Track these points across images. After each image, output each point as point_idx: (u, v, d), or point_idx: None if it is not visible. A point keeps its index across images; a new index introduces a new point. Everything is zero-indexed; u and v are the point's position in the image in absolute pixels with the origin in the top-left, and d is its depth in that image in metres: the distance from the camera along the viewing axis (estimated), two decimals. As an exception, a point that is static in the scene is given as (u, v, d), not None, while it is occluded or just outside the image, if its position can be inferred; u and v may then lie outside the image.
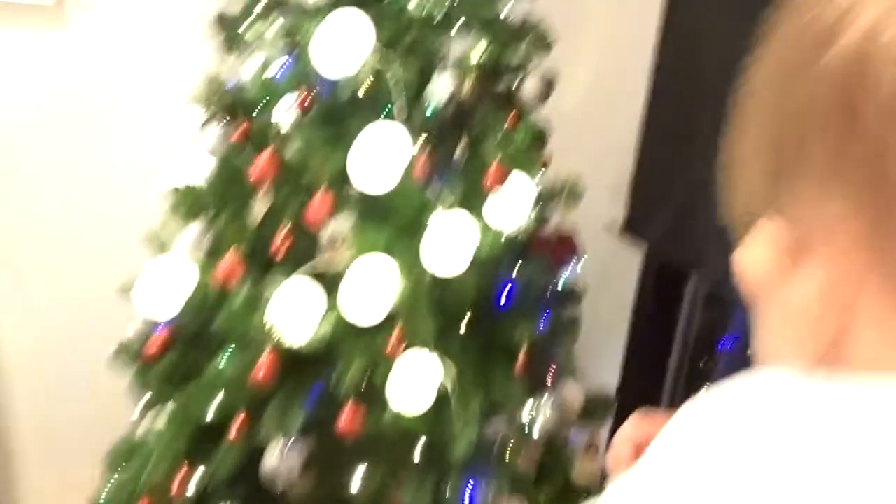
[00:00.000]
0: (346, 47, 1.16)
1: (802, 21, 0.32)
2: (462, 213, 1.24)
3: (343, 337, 1.26)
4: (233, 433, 1.30)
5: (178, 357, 1.36)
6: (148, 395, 1.42)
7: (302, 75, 1.19)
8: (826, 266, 0.30)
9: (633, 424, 0.61)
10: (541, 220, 1.45)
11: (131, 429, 1.43)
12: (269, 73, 1.26)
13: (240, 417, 1.29)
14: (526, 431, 1.40)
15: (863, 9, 0.29)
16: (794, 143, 0.31)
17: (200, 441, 1.34)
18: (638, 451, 0.65)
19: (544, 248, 1.48)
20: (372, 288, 1.19)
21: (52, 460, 1.89)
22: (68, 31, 1.65)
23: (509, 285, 1.34)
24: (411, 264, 1.26)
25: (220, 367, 1.28)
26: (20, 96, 1.65)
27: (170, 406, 1.36)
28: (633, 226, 1.86)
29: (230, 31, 1.33)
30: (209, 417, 1.29)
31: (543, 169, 1.44)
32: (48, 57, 1.65)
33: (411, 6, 1.24)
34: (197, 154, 1.28)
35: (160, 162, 1.46)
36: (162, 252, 1.39)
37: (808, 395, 0.28)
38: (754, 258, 0.33)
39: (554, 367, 1.45)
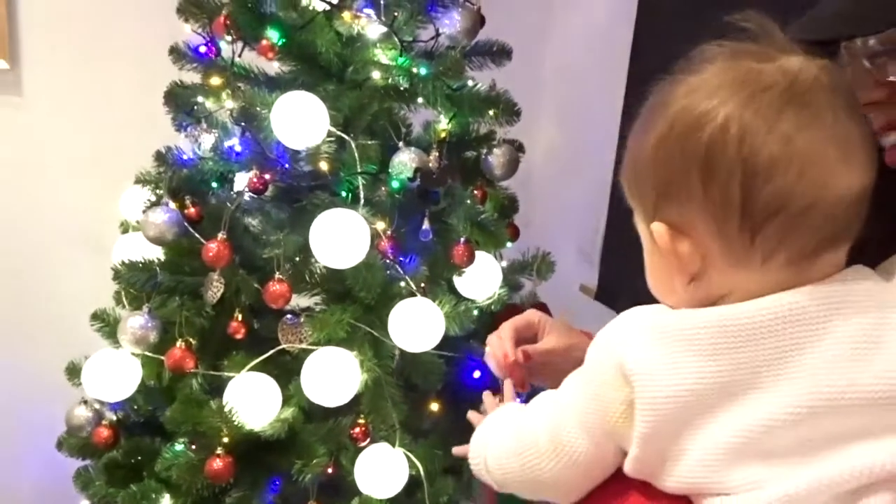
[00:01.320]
0: (303, 123, 1.10)
1: (682, 109, 0.52)
2: (429, 293, 1.18)
3: (304, 425, 1.18)
4: (185, 534, 1.19)
5: (125, 453, 1.26)
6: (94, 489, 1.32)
7: (258, 153, 1.14)
8: (692, 244, 0.53)
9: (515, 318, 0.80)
10: (513, 288, 1.39)
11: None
12: (223, 150, 1.20)
13: (193, 517, 1.19)
14: (503, 519, 1.31)
15: (717, 113, 0.50)
16: (676, 180, 0.52)
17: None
18: (517, 333, 0.83)
19: (512, 315, 1.42)
20: (335, 372, 1.12)
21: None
22: (24, 97, 1.61)
23: (480, 365, 1.27)
24: (377, 343, 1.20)
25: (171, 460, 1.18)
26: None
27: (119, 500, 1.26)
28: (607, 292, 1.82)
29: (184, 105, 1.27)
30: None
31: (511, 242, 1.39)
32: (2, 120, 1.60)
33: (375, 76, 1.20)
34: (147, 233, 1.20)
35: (111, 238, 1.40)
36: (111, 334, 1.30)
37: (688, 316, 0.53)
38: (656, 235, 0.54)
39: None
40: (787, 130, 0.49)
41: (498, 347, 0.80)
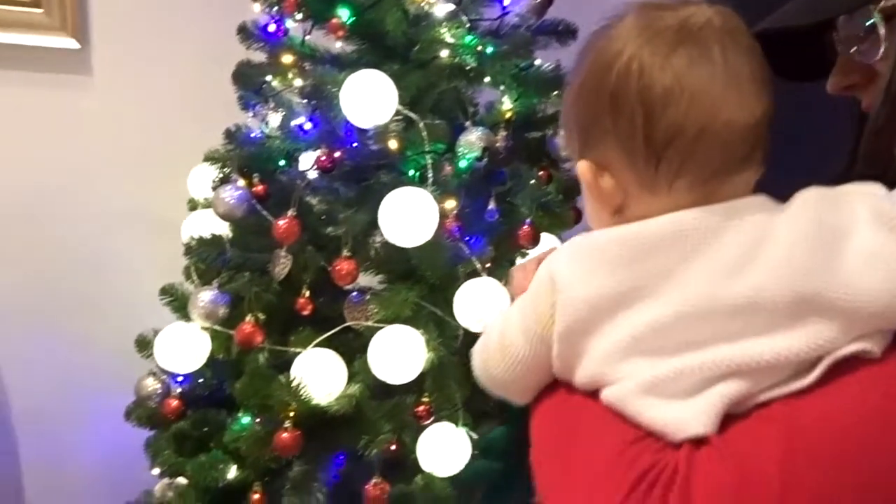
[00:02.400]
0: (371, 102, 1.11)
1: (597, 53, 0.60)
2: (494, 274, 1.17)
3: (369, 402, 1.19)
4: (251, 503, 1.22)
5: (193, 424, 1.29)
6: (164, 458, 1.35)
7: (326, 131, 1.14)
8: (612, 177, 0.61)
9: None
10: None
11: (152, 485, 1.37)
12: (292, 128, 1.21)
13: (257, 488, 1.21)
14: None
15: (623, 54, 0.58)
16: (593, 118, 0.60)
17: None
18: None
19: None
20: (402, 350, 1.13)
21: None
22: (94, 76, 1.63)
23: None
24: (442, 323, 1.20)
25: (238, 433, 1.21)
26: (45, 141, 1.62)
27: (188, 470, 1.29)
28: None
29: (252, 84, 1.28)
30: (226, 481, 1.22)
31: (577, 223, 1.38)
32: (73, 101, 1.62)
33: (442, 55, 1.19)
34: (217, 209, 1.22)
35: (178, 215, 1.43)
36: (181, 308, 1.33)
37: (604, 233, 0.60)
38: (581, 173, 0.63)
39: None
40: (679, 66, 0.57)
41: (523, 279, 0.81)
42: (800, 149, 1.04)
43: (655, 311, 0.56)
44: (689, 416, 0.54)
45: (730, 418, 0.54)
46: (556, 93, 1.30)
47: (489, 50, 1.20)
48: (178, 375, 1.31)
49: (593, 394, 0.59)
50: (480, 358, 0.69)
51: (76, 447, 1.75)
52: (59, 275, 1.69)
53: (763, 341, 0.54)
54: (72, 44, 1.59)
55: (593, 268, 0.59)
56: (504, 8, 1.27)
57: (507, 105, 1.25)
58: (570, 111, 0.63)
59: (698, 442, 0.54)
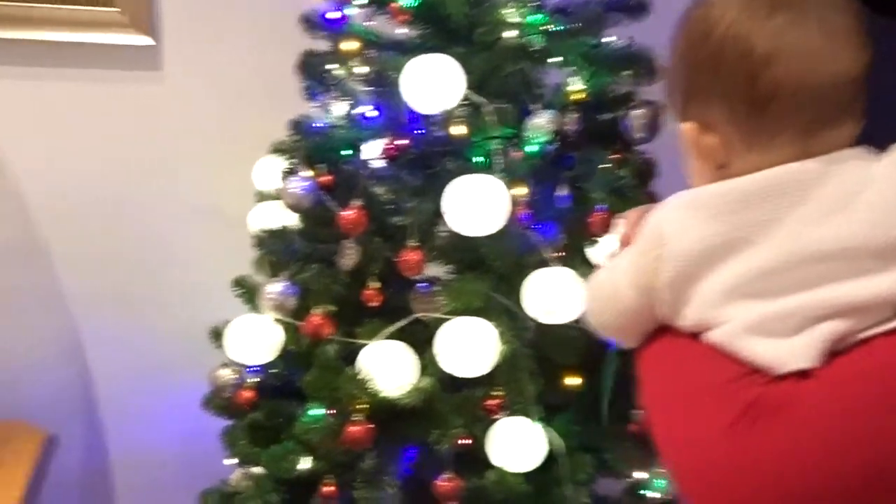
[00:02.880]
0: (437, 87, 1.07)
1: (696, 21, 0.65)
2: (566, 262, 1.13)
3: (439, 395, 1.17)
4: (323, 494, 1.22)
5: (266, 414, 1.30)
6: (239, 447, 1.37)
7: (391, 119, 1.12)
8: (714, 135, 0.65)
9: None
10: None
11: (226, 475, 1.39)
12: (356, 117, 1.19)
13: (329, 479, 1.21)
14: (643, 495, 1.26)
15: (721, 22, 0.63)
16: (696, 83, 0.66)
17: (295, 494, 1.27)
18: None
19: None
20: (474, 343, 1.10)
21: (145, 498, 1.87)
22: (164, 70, 1.66)
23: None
24: (512, 314, 1.17)
25: (309, 424, 1.21)
26: (120, 135, 1.66)
27: (262, 460, 1.30)
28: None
29: (316, 73, 1.27)
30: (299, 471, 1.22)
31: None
32: (146, 95, 1.66)
33: (507, 36, 1.14)
34: (285, 201, 1.22)
35: (246, 207, 1.44)
36: (252, 299, 1.34)
37: (708, 187, 0.66)
38: (685, 133, 0.68)
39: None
40: (777, 28, 0.61)
41: (627, 228, 0.85)
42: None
43: (760, 257, 0.61)
44: (794, 352, 0.58)
45: (831, 354, 0.58)
46: (628, 71, 1.24)
47: (557, 28, 1.15)
48: (252, 366, 1.32)
49: (697, 336, 0.64)
50: (590, 305, 0.78)
51: (155, 435, 1.81)
52: (137, 265, 1.73)
53: (864, 282, 0.59)
54: (145, 40, 1.62)
55: (699, 219, 0.64)
56: (571, -17, 1.21)
57: (576, 86, 1.20)
58: (673, 77, 0.69)
59: (802, 375, 0.57)
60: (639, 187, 1.26)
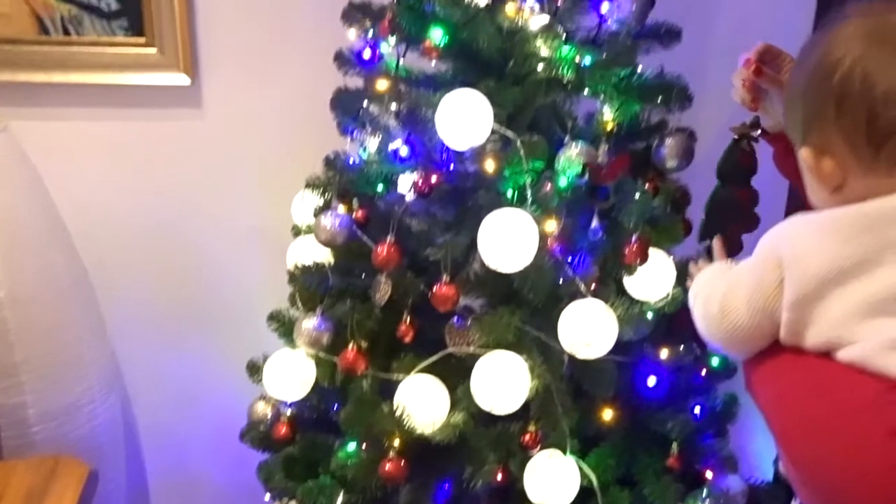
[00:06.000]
0: (468, 123, 1.08)
1: (821, 56, 0.69)
2: (599, 294, 1.12)
3: (473, 430, 1.16)
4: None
5: (302, 448, 1.30)
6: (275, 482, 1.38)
7: (423, 154, 1.13)
8: (832, 160, 0.69)
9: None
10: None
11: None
12: (389, 153, 1.20)
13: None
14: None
15: (846, 59, 0.66)
16: (817, 114, 0.69)
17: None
18: (766, 53, 1.01)
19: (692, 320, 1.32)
20: (505, 378, 1.09)
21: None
22: (203, 109, 1.70)
23: (656, 370, 1.20)
24: (545, 347, 1.16)
25: (344, 459, 1.21)
26: (162, 170, 1.71)
27: (299, 494, 1.31)
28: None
29: (349, 110, 1.29)
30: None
31: (687, 235, 1.30)
32: (186, 132, 1.70)
33: (539, 69, 1.15)
34: (319, 237, 1.23)
35: (285, 241, 1.46)
36: (287, 333, 1.36)
37: (829, 212, 0.69)
38: (804, 158, 0.71)
39: (711, 457, 1.27)
40: None
41: (744, 72, 0.99)
42: None
43: (890, 279, 0.64)
44: None
45: None
46: (660, 99, 1.23)
47: (587, 60, 1.15)
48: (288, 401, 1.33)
49: (825, 355, 0.67)
50: (700, 315, 0.81)
51: (198, 463, 1.83)
52: (179, 297, 1.77)
53: None
54: (184, 80, 1.66)
55: (823, 242, 0.67)
56: (601, 16, 1.21)
57: (607, 116, 1.20)
58: (793, 104, 0.73)
59: None
60: (673, 215, 1.25)
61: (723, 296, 0.77)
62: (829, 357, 0.67)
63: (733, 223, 1.09)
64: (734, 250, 1.05)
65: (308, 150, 1.41)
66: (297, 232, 1.46)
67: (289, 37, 1.67)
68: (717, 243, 1.02)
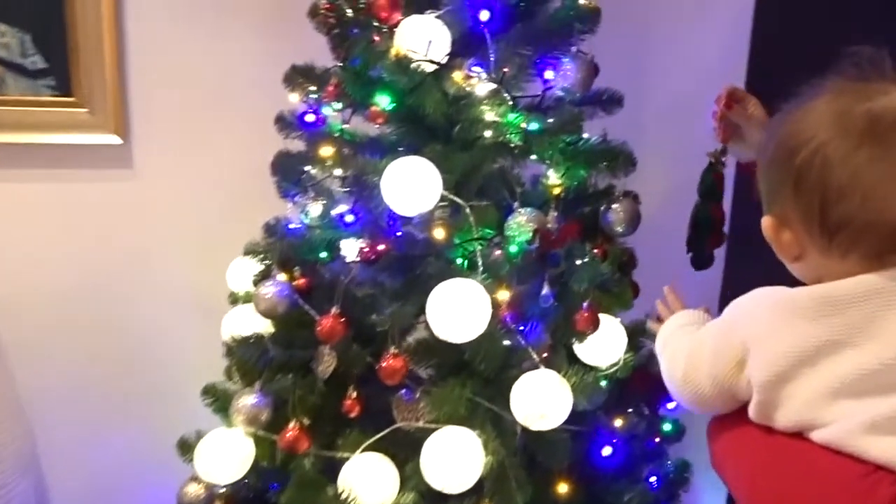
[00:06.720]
0: (416, 190, 1.05)
1: (789, 133, 0.69)
2: (552, 363, 1.09)
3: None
4: None
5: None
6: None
7: (369, 222, 1.09)
8: (792, 233, 0.70)
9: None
10: (638, 351, 1.28)
11: None
12: (333, 218, 1.16)
13: None
14: None
15: (811, 142, 0.66)
16: (778, 187, 0.70)
17: None
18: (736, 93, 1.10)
19: (643, 384, 1.30)
20: (458, 456, 1.04)
21: None
22: (135, 169, 1.64)
23: (611, 440, 1.17)
24: (498, 419, 1.11)
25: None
26: (93, 231, 1.62)
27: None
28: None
29: (291, 174, 1.25)
30: None
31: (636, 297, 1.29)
32: (117, 193, 1.63)
33: (486, 135, 1.13)
34: (258, 307, 1.17)
35: (220, 309, 1.38)
36: (222, 408, 1.27)
37: (795, 291, 0.70)
38: (764, 228, 0.72)
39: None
40: (857, 167, 0.63)
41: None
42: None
43: (859, 360, 0.63)
44: None
45: None
46: (604, 164, 1.23)
47: (535, 126, 1.15)
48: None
49: (797, 435, 0.66)
50: (666, 373, 0.82)
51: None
52: (103, 367, 1.66)
53: None
54: (114, 140, 1.60)
55: (790, 322, 0.66)
56: (546, 82, 1.22)
57: (553, 180, 1.19)
58: (762, 172, 0.73)
59: None
60: (623, 280, 1.24)
61: (686, 362, 0.77)
62: (801, 437, 0.66)
63: (707, 238, 1.18)
64: (706, 264, 1.18)
65: (246, 214, 1.36)
66: (234, 300, 1.39)
67: (227, 97, 1.63)
68: (668, 290, 1.04)
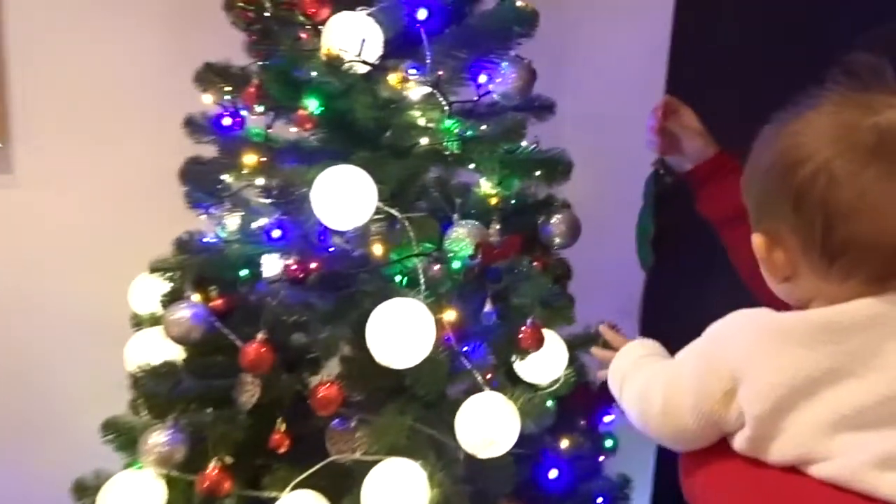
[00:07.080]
0: (350, 200, 0.96)
1: (788, 148, 0.63)
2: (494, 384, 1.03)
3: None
4: None
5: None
6: None
7: (298, 237, 0.99)
8: (784, 254, 0.66)
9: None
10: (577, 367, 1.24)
11: None
12: (253, 232, 1.05)
13: None
14: None
15: (813, 159, 0.61)
16: (773, 203, 0.65)
17: None
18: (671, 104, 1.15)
19: (582, 400, 1.27)
20: (401, 491, 0.96)
21: None
22: (15, 174, 1.48)
23: (556, 462, 1.12)
24: (440, 447, 1.04)
25: None
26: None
27: None
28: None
29: (204, 182, 1.13)
30: None
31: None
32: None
33: (422, 142, 1.06)
34: (170, 332, 1.04)
35: (119, 330, 1.24)
36: (126, 446, 1.13)
37: (787, 317, 0.65)
38: (755, 245, 0.67)
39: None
40: (865, 185, 0.59)
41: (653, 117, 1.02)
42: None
43: (861, 390, 0.59)
44: None
45: None
46: (538, 173, 1.19)
47: (472, 134, 1.08)
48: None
49: (791, 469, 0.61)
50: (637, 411, 0.74)
51: None
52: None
53: None
54: (-8, 143, 1.42)
55: (785, 350, 0.62)
56: (480, 87, 1.16)
57: (487, 189, 1.14)
58: (751, 185, 0.68)
59: None
60: (564, 294, 1.20)
61: (663, 397, 0.70)
62: (796, 472, 0.61)
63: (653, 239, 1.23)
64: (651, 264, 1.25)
65: (149, 227, 1.23)
66: (137, 322, 1.24)
67: (121, 99, 1.48)
68: (604, 329, 0.96)
